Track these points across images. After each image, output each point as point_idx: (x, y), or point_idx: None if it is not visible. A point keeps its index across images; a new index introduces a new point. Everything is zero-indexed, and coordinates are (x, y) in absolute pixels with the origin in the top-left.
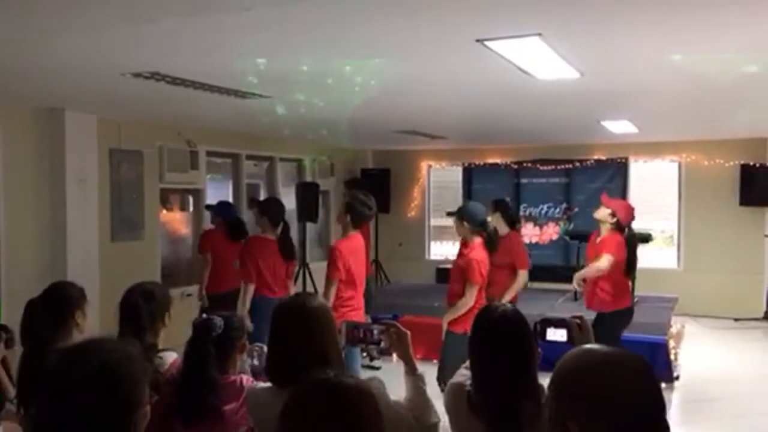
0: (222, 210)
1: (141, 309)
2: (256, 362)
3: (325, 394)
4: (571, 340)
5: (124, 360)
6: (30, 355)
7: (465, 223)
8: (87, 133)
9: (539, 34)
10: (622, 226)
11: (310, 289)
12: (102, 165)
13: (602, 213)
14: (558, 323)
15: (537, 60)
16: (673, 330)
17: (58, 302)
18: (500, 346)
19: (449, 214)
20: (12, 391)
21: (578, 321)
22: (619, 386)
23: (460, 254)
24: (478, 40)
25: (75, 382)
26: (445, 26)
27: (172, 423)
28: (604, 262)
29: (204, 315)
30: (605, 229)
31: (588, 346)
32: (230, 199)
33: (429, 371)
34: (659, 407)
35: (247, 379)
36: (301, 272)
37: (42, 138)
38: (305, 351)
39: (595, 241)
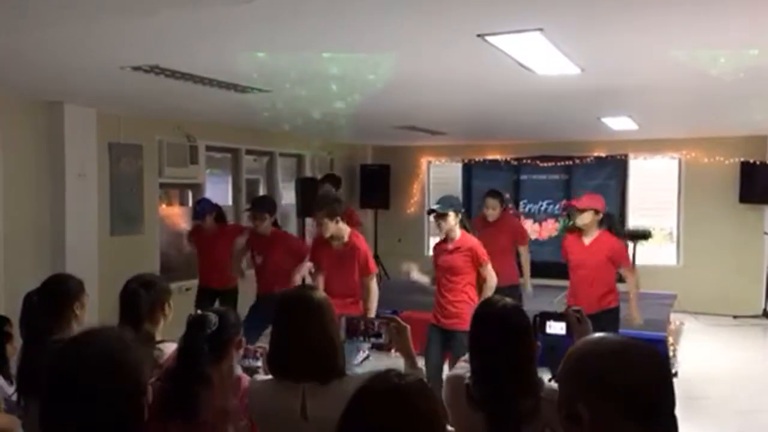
0: (210, 206)
1: (141, 298)
2: (259, 363)
3: (391, 397)
4: (570, 333)
5: (123, 346)
6: (29, 347)
7: (459, 215)
8: (86, 126)
9: (540, 29)
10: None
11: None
12: (101, 159)
13: (587, 217)
14: (557, 316)
15: (538, 55)
16: (672, 327)
17: (56, 294)
18: (500, 340)
19: (433, 211)
20: (8, 389)
21: (577, 314)
22: (631, 372)
23: (454, 248)
24: (479, 35)
25: (77, 373)
26: (446, 21)
27: (165, 416)
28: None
29: (198, 311)
30: (595, 230)
31: (600, 334)
32: (230, 195)
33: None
34: (670, 401)
35: (245, 378)
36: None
37: (41, 132)
38: (310, 343)
39: (580, 241)
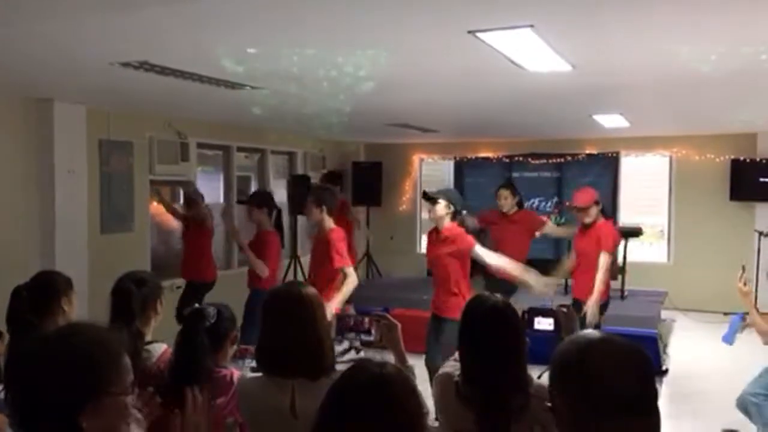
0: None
1: (132, 295)
2: (254, 364)
3: (372, 386)
4: (558, 329)
5: (92, 343)
6: (16, 341)
7: (450, 206)
8: (76, 123)
9: (531, 26)
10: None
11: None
12: (91, 156)
13: (594, 212)
14: (545, 312)
15: (529, 52)
16: (663, 324)
17: (44, 289)
18: (490, 337)
19: (428, 197)
20: None
21: (564, 310)
22: (606, 371)
23: (442, 241)
24: (470, 32)
25: (36, 367)
26: (437, 17)
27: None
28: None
29: (196, 305)
30: (599, 219)
31: (589, 330)
32: (221, 192)
33: (419, 364)
34: (646, 398)
35: (238, 374)
36: (292, 265)
37: (30, 128)
38: (298, 339)
39: (582, 230)
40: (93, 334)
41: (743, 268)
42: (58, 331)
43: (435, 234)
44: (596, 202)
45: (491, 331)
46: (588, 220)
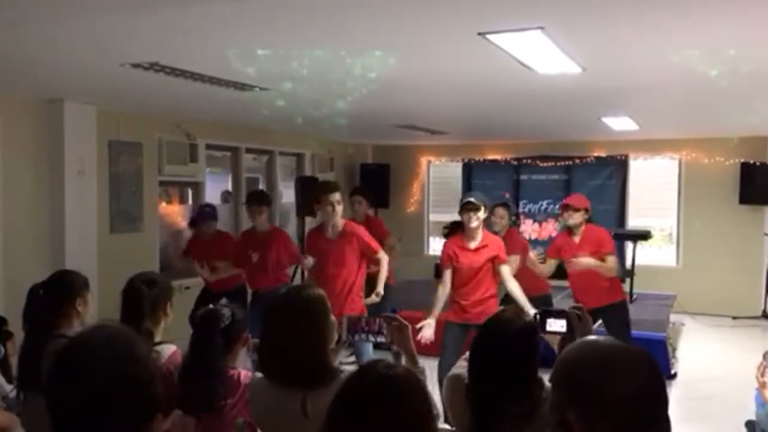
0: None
1: (143, 295)
2: None
3: (380, 387)
4: (570, 330)
5: (130, 338)
6: (30, 340)
7: (486, 212)
8: (86, 124)
9: (542, 28)
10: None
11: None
12: (101, 157)
13: (579, 216)
14: (558, 314)
15: (539, 54)
16: (672, 328)
17: (60, 288)
18: (500, 361)
19: (473, 204)
20: (7, 387)
21: (578, 311)
22: (619, 379)
23: (482, 248)
24: (480, 34)
25: (90, 366)
26: (447, 19)
27: (187, 412)
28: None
29: (210, 306)
30: (583, 226)
31: (592, 338)
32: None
33: (429, 365)
34: (660, 403)
35: (245, 374)
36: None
37: (41, 129)
38: (302, 343)
39: (570, 241)
40: (128, 332)
41: (765, 357)
42: (95, 335)
43: (464, 241)
44: (586, 209)
45: (501, 355)
46: (571, 222)
